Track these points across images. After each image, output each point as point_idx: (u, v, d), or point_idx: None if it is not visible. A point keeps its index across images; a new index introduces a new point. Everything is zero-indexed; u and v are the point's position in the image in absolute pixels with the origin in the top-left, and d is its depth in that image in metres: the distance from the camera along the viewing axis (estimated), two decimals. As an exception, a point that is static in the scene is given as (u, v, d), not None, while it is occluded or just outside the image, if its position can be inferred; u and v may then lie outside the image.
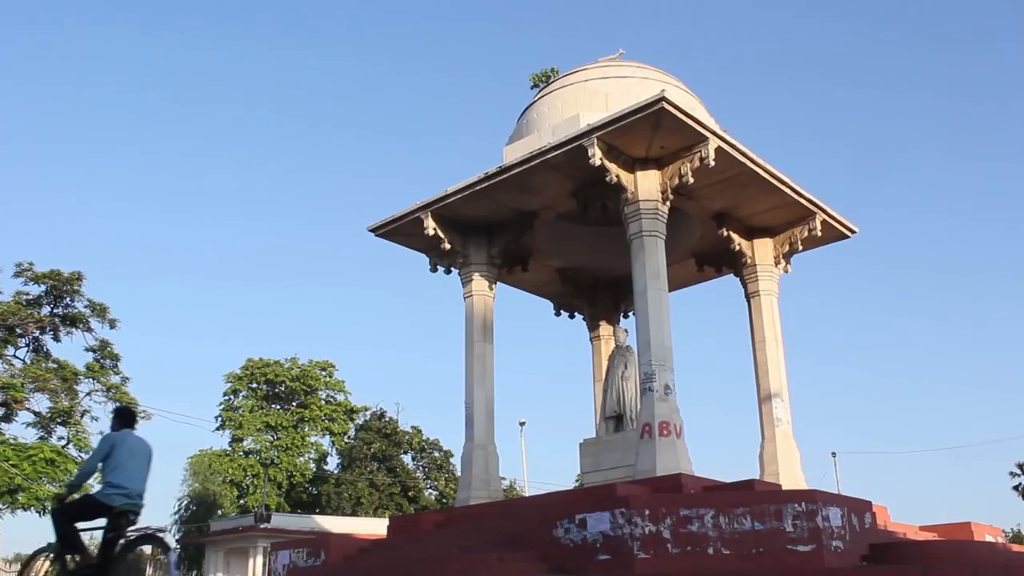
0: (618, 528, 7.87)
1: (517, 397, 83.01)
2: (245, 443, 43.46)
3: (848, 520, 8.12)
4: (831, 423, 78.10)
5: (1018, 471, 39.00)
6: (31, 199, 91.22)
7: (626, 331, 14.22)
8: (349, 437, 45.28)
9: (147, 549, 6.92)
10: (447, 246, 13.74)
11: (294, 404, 45.11)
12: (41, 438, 26.29)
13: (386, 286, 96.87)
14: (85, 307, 27.89)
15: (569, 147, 11.69)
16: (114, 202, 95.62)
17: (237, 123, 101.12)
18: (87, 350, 28.16)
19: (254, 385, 44.68)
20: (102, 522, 7.10)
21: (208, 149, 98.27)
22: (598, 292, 15.95)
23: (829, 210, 13.71)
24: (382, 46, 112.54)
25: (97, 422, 27.73)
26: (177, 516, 43.93)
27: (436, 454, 45.06)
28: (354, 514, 37.97)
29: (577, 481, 34.40)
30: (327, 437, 45.80)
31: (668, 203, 12.07)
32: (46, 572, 7.54)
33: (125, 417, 7.65)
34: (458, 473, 21.36)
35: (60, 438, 26.79)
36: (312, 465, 44.94)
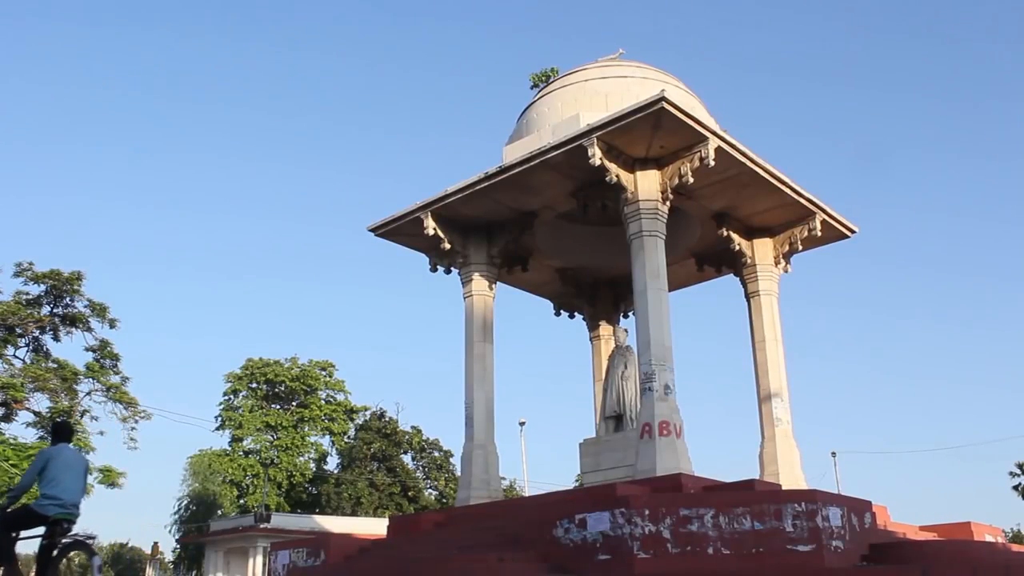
0: (618, 528, 7.86)
1: (517, 397, 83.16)
2: (245, 443, 43.48)
3: (848, 520, 8.12)
4: (831, 423, 78.23)
5: (1018, 471, 39.02)
6: (31, 198, 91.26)
7: (626, 331, 14.20)
8: (349, 437, 45.29)
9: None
10: (447, 246, 13.74)
11: (294, 404, 45.11)
12: (41, 438, 26.23)
13: (386, 286, 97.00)
14: (85, 307, 27.90)
15: (569, 147, 11.69)
16: (114, 201, 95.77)
17: (237, 123, 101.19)
18: (87, 350, 28.19)
19: (254, 385, 44.69)
20: (40, 530, 7.51)
21: (208, 149, 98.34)
22: (598, 292, 15.94)
23: (829, 210, 13.71)
24: (382, 46, 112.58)
25: (97, 422, 27.81)
26: (177, 516, 43.98)
27: (436, 454, 45.08)
28: (354, 514, 38.00)
29: (577, 481, 34.41)
30: (327, 437, 45.83)
31: (668, 203, 12.07)
32: None
33: (61, 432, 8.12)
34: (458, 473, 21.36)
35: (60, 438, 26.75)
36: (312, 465, 44.95)
